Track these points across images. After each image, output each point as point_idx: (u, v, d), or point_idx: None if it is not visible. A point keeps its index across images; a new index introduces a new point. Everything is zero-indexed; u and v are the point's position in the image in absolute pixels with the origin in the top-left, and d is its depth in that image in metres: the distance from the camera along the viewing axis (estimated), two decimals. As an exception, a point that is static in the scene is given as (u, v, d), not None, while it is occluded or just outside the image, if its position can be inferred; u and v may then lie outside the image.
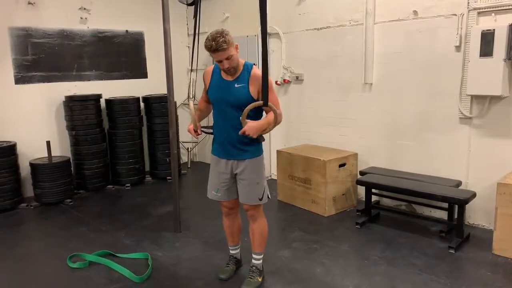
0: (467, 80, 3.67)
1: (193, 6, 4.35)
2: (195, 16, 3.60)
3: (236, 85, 2.63)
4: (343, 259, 3.34)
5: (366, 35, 4.40)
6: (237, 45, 2.59)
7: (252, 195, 2.77)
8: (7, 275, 3.26)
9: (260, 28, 2.47)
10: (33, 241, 3.96)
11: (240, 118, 2.56)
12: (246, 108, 2.55)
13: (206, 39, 2.51)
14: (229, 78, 2.66)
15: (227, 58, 2.53)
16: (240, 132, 2.56)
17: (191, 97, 6.60)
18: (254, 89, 2.63)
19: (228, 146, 2.73)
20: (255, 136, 2.57)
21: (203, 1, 5.69)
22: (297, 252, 3.49)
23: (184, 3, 4.37)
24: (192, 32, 6.61)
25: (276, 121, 2.59)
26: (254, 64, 2.73)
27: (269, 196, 2.87)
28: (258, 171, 2.77)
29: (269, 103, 2.56)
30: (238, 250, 3.16)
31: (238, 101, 2.62)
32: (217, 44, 2.47)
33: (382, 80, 4.39)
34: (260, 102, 2.56)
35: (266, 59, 2.50)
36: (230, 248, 3.15)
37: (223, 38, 2.47)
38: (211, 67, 2.80)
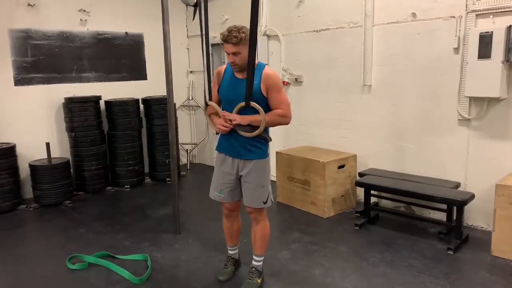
0: (465, 82, 3.68)
1: (194, 8, 4.37)
2: (199, 18, 3.60)
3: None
4: (342, 261, 3.35)
5: (365, 37, 4.41)
6: None
7: (256, 199, 2.76)
8: (6, 276, 3.26)
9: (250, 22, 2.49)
10: (32, 242, 3.96)
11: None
12: (234, 110, 2.62)
13: (225, 29, 2.58)
14: (241, 76, 2.66)
15: (234, 53, 2.56)
16: (227, 116, 2.62)
17: (190, 99, 6.64)
18: (264, 87, 2.64)
19: (236, 145, 2.72)
20: (238, 120, 2.61)
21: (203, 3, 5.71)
22: (296, 253, 3.50)
23: (190, 5, 4.38)
24: (192, 33, 6.66)
25: (265, 123, 2.60)
26: (266, 64, 2.75)
27: (273, 200, 2.87)
28: (263, 174, 2.77)
29: (252, 103, 2.58)
30: (237, 251, 3.16)
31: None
32: (229, 36, 2.53)
33: (381, 82, 4.40)
34: (242, 103, 2.60)
35: (254, 57, 2.51)
36: (228, 248, 3.14)
37: (237, 34, 2.52)
38: (223, 67, 2.82)
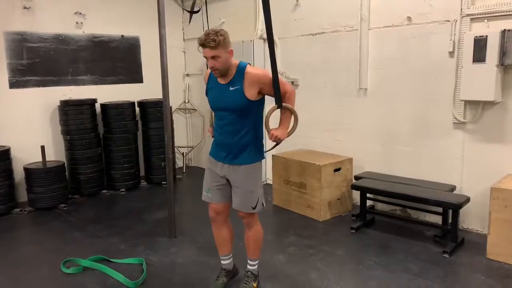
0: (460, 86, 3.70)
1: (193, 14, 4.39)
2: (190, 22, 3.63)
3: (230, 88, 2.59)
4: (338, 264, 3.34)
5: (360, 40, 4.43)
6: (231, 50, 2.54)
7: (245, 203, 2.72)
8: (0, 280, 3.24)
9: (265, 30, 2.53)
10: (27, 246, 3.93)
11: (264, 126, 2.69)
12: (266, 116, 2.64)
13: (203, 33, 2.53)
14: (223, 82, 2.62)
15: (213, 57, 2.48)
16: (272, 139, 2.60)
17: (186, 102, 6.63)
18: (251, 90, 2.55)
19: (225, 151, 2.70)
20: (284, 138, 2.62)
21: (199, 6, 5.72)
22: (292, 257, 3.49)
23: (187, 10, 4.39)
24: (188, 37, 6.66)
25: (296, 120, 2.64)
26: (248, 63, 2.66)
27: (264, 205, 2.81)
28: (253, 179, 2.72)
29: (285, 104, 2.59)
30: (230, 261, 3.03)
31: (233, 105, 2.59)
32: (205, 39, 2.45)
33: (377, 86, 4.42)
34: (275, 106, 2.60)
35: (274, 59, 2.53)
36: (220, 258, 3.03)
37: (214, 37, 2.43)
38: (209, 70, 2.75)
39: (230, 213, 2.93)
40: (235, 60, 2.61)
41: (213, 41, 2.43)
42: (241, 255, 3.19)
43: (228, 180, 2.77)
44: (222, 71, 2.55)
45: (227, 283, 3.01)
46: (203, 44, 2.47)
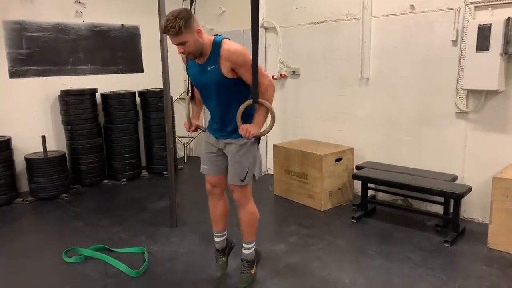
0: (463, 75, 3.67)
1: (190, 1, 4.33)
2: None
3: (208, 68, 2.46)
4: (339, 254, 3.35)
5: (363, 29, 4.38)
6: (199, 29, 2.36)
7: (234, 174, 2.67)
8: (2, 270, 3.25)
9: (251, 22, 2.35)
10: (29, 236, 3.94)
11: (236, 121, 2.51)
12: (238, 111, 2.47)
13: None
14: (201, 62, 2.51)
15: (180, 44, 2.34)
16: (243, 134, 2.47)
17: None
18: (226, 67, 2.42)
19: (217, 123, 2.68)
20: (255, 134, 2.48)
21: (199, -5, 5.66)
22: (293, 246, 3.49)
23: None
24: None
25: (273, 119, 2.50)
26: (225, 37, 2.47)
27: (256, 177, 2.70)
28: (243, 151, 2.63)
29: (261, 100, 2.46)
30: (223, 238, 3.00)
31: (213, 83, 2.49)
32: (166, 28, 2.29)
33: (379, 75, 4.39)
34: (250, 101, 2.46)
35: (257, 53, 2.36)
36: (214, 234, 2.98)
37: (174, 23, 2.25)
38: None
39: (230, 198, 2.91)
40: (209, 36, 2.46)
41: (173, 28, 2.26)
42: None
43: (220, 150, 2.74)
44: (195, 54, 2.42)
45: (227, 260, 3.04)
46: (165, 33, 2.34)
